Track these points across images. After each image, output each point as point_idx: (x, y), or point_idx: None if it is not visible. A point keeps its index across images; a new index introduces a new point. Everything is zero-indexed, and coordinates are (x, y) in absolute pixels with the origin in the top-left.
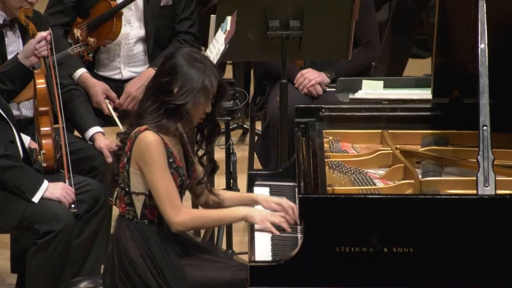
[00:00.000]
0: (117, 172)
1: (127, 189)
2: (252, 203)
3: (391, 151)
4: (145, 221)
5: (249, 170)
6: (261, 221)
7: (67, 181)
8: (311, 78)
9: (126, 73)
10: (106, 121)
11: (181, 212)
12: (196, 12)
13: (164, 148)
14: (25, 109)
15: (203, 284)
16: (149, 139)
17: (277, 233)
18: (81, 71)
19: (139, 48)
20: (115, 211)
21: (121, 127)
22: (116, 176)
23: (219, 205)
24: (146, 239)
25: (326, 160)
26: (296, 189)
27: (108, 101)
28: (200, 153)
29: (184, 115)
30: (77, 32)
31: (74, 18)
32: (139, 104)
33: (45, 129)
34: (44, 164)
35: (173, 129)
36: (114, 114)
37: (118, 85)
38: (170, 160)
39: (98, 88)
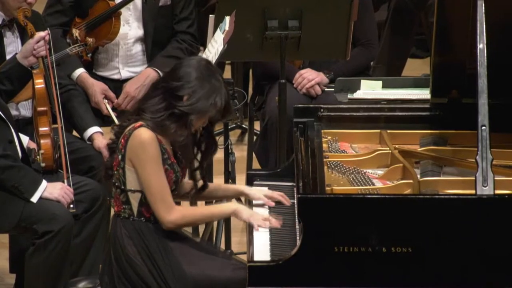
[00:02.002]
0: (110, 166)
1: (122, 187)
2: (239, 195)
3: (390, 151)
4: (142, 218)
5: (248, 170)
6: (247, 218)
7: (65, 181)
8: (309, 78)
9: (124, 73)
10: (104, 121)
11: (173, 210)
12: (194, 12)
13: (158, 145)
14: (23, 109)
15: (202, 282)
16: (144, 136)
17: (262, 228)
18: (80, 71)
19: (138, 48)
20: None
21: None
22: (109, 170)
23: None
24: (144, 237)
25: (324, 160)
26: (295, 189)
27: (106, 101)
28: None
29: (188, 124)
30: (76, 32)
31: (72, 18)
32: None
33: (43, 129)
34: (43, 164)
35: (172, 132)
36: (113, 114)
37: (116, 85)
38: (165, 157)
39: (96, 88)
